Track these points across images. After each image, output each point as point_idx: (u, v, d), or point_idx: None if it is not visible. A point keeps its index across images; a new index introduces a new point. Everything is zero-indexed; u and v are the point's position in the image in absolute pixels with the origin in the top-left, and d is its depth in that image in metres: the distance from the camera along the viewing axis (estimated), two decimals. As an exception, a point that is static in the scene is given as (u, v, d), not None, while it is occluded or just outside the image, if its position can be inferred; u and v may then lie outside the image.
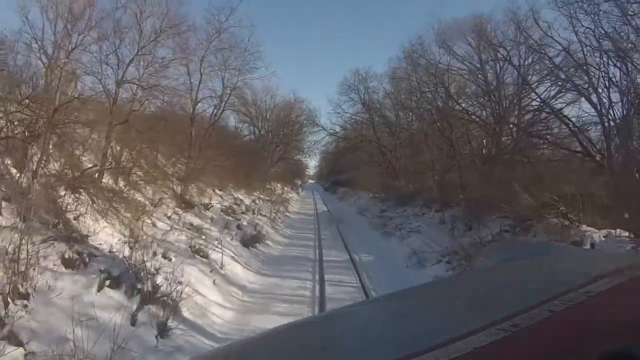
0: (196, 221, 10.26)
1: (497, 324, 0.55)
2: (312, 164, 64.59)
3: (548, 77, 13.68)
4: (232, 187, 16.05)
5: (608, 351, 0.47)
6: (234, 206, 13.42)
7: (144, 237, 7.71)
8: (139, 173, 10.63)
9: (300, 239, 13.31)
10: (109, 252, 6.54)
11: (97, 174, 8.87)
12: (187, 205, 10.95)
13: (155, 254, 7.14)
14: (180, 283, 6.35)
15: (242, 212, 13.11)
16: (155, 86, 9.78)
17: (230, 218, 11.86)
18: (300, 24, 78.52)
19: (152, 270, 6.40)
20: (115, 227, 7.66)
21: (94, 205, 7.87)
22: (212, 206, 12.12)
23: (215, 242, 9.16)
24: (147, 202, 9.77)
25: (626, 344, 0.48)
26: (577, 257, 1.20)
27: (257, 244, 10.77)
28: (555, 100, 13.82)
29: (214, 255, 8.07)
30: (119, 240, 7.14)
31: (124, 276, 5.85)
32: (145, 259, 6.59)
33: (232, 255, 8.89)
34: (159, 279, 6.17)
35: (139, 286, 5.60)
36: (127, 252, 6.48)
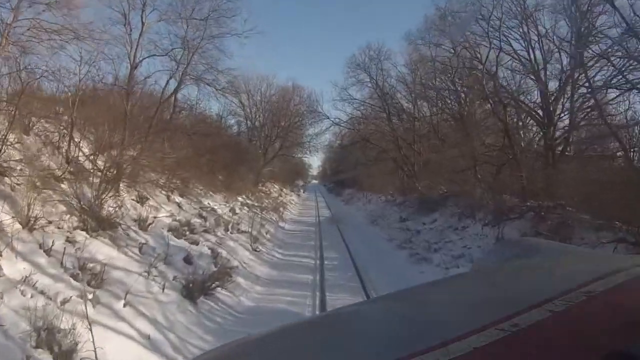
0: (107, 254, 5.91)
1: (497, 324, 0.55)
2: (315, 164, 61.48)
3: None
4: (203, 190, 11.71)
5: (610, 351, 0.48)
6: (196, 220, 9.06)
7: None
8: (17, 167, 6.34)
9: (293, 268, 8.91)
10: None
11: None
12: (101, 223, 6.58)
13: None
14: None
15: (206, 230, 8.74)
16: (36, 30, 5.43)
17: (179, 242, 7.50)
18: (300, 14, 73.93)
19: None
20: None
21: None
22: (154, 222, 7.76)
23: (122, 303, 4.83)
24: (14, 223, 5.44)
25: (628, 344, 0.49)
26: (577, 257, 1.16)
27: (218, 290, 6.42)
28: None
29: (86, 353, 3.70)
30: None
31: None
32: None
33: (146, 330, 4.54)
34: None
35: None
36: None
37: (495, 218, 10.93)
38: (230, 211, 11.50)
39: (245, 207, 13.51)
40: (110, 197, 7.46)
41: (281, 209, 18.88)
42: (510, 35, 13.16)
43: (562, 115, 12.49)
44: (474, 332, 0.54)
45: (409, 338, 0.62)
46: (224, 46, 11.30)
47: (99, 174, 7.87)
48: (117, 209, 7.62)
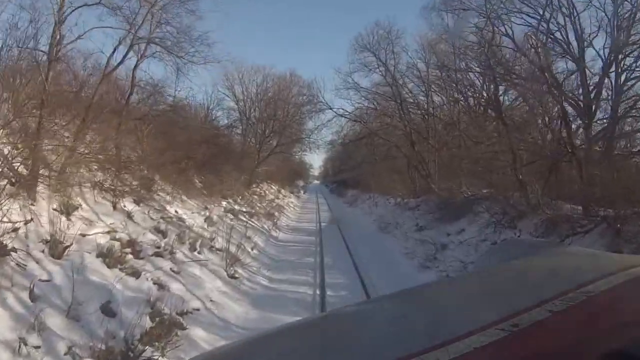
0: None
1: (497, 324, 0.55)
2: (316, 164, 60.24)
3: None
4: (171, 194, 9.22)
5: (610, 351, 0.48)
6: (149, 237, 6.56)
7: None
8: None
9: (282, 305, 6.33)
10: None
11: None
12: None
13: None
14: None
15: (159, 252, 6.23)
16: None
17: (106, 275, 4.99)
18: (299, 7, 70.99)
19: None
20: None
21: None
22: (77, 244, 5.28)
23: None
24: None
25: (628, 344, 0.49)
26: (577, 257, 1.15)
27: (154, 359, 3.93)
28: None
29: None
30: None
31: None
32: None
33: None
34: None
35: None
36: None
37: (548, 230, 8.44)
38: (205, 221, 8.98)
39: (230, 215, 11.01)
40: (3, 206, 5.00)
41: (276, 213, 16.39)
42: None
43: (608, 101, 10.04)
44: (474, 332, 0.53)
45: (409, 338, 0.61)
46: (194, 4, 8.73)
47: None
48: (18, 224, 5.17)
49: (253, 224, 11.88)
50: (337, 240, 12.72)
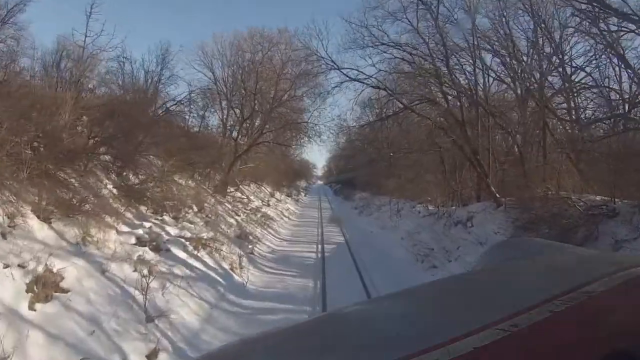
0: None
1: (497, 324, 0.55)
2: (320, 164, 56.38)
3: None
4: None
5: (610, 351, 0.48)
6: None
7: None
8: None
9: None
10: None
11: None
12: None
13: None
14: None
15: None
16: None
17: None
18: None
19: None
20: None
21: None
22: None
23: None
24: None
25: (628, 344, 0.49)
26: (577, 257, 1.14)
27: None
28: None
29: None
30: None
31: None
32: None
33: None
34: None
35: None
36: None
37: None
38: (31, 287, 3.44)
39: (143, 251, 5.54)
40: None
41: (258, 232, 10.89)
42: None
43: None
44: (474, 332, 0.53)
45: (409, 338, 0.61)
46: None
47: None
48: None
49: (196, 265, 6.42)
50: (354, 289, 7.25)
